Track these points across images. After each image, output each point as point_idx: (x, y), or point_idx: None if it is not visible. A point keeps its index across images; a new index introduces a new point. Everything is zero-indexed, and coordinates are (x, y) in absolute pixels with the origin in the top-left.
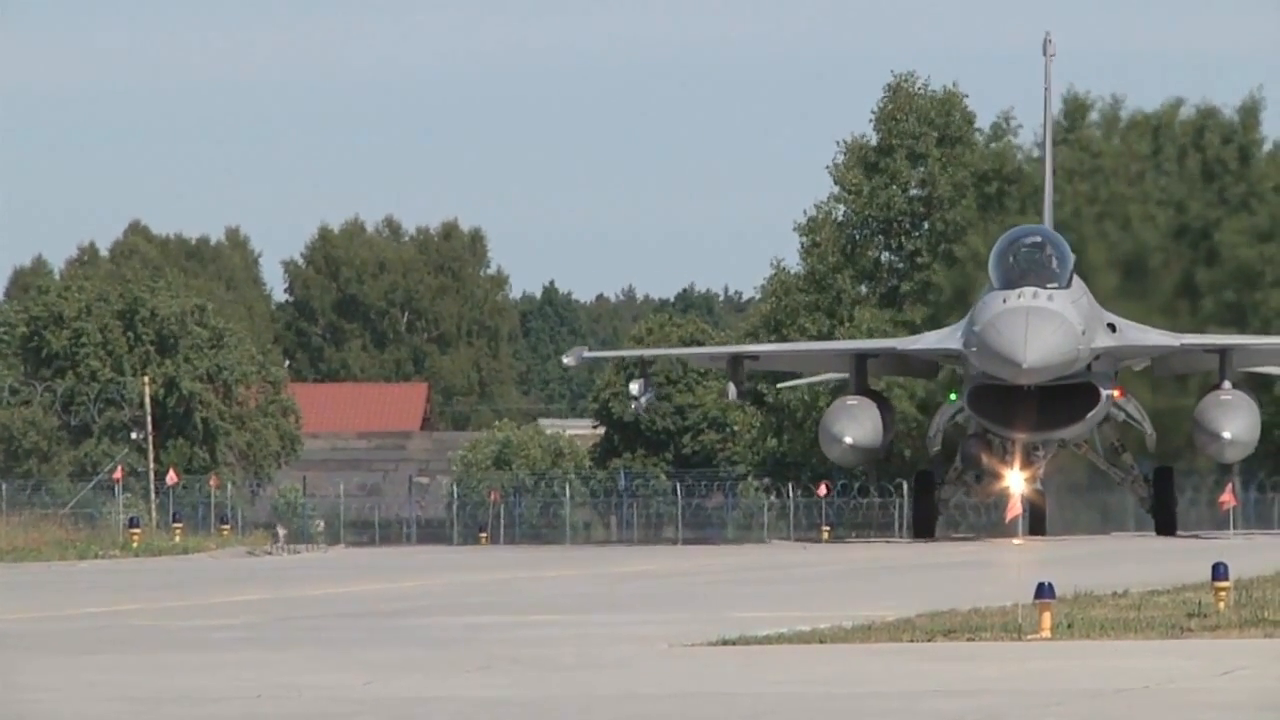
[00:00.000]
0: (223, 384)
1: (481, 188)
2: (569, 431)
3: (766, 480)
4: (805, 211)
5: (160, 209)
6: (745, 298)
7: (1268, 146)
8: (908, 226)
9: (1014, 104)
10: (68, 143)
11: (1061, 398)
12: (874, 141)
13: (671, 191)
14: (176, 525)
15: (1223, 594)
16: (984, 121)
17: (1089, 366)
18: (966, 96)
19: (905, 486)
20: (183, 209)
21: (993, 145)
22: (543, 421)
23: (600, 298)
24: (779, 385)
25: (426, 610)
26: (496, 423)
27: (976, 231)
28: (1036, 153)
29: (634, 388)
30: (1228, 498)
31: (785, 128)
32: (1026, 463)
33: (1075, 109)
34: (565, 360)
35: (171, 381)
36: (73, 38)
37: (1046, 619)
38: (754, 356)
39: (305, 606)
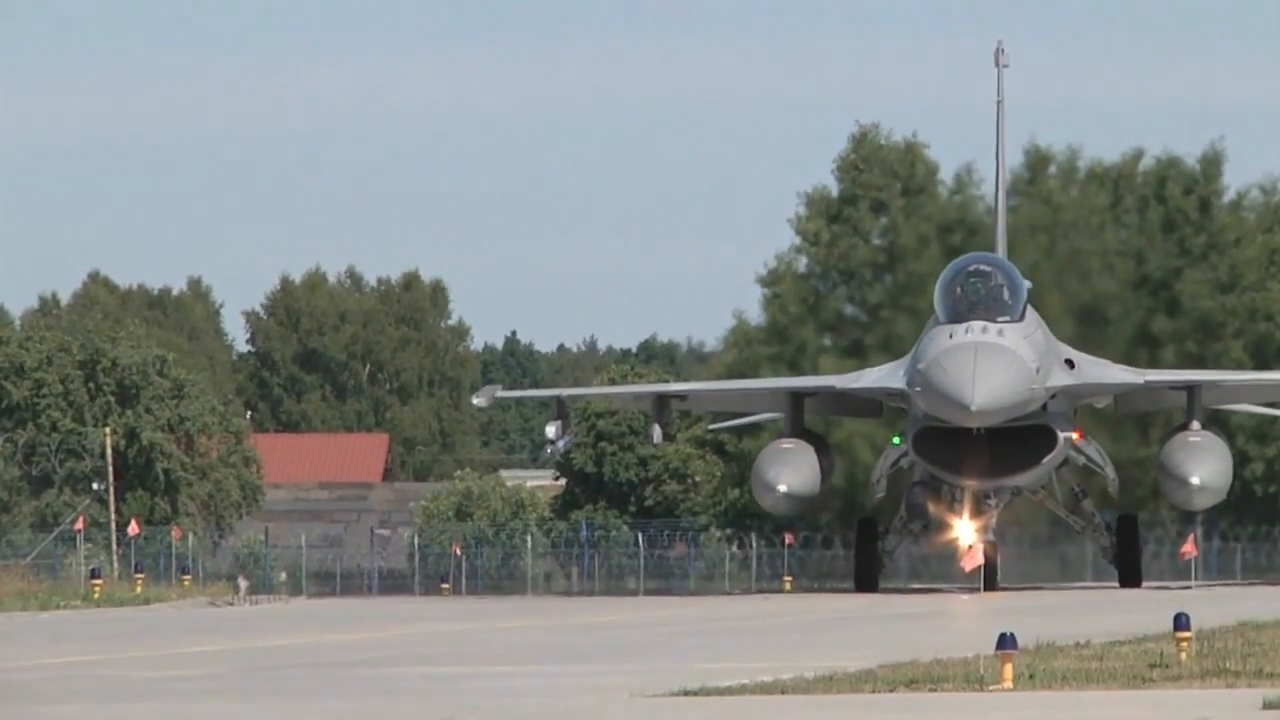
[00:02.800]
0: (184, 434)
1: (443, 238)
2: (530, 483)
3: (728, 531)
4: (767, 263)
5: (121, 259)
6: (707, 348)
7: (1229, 197)
8: (869, 278)
9: (976, 155)
10: (28, 192)
11: (1015, 441)
12: (835, 192)
13: (633, 242)
14: (138, 576)
15: (1184, 644)
16: (947, 173)
17: (1045, 406)
18: (928, 147)
19: None
20: (144, 259)
21: (956, 197)
22: (504, 472)
23: (562, 348)
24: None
25: (388, 661)
26: (458, 473)
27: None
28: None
29: (550, 430)
30: (1189, 548)
31: (747, 179)
32: (977, 511)
33: (1036, 161)
34: (476, 400)
35: (133, 432)
36: (34, 88)
37: (1008, 670)
38: (681, 395)
39: (268, 657)
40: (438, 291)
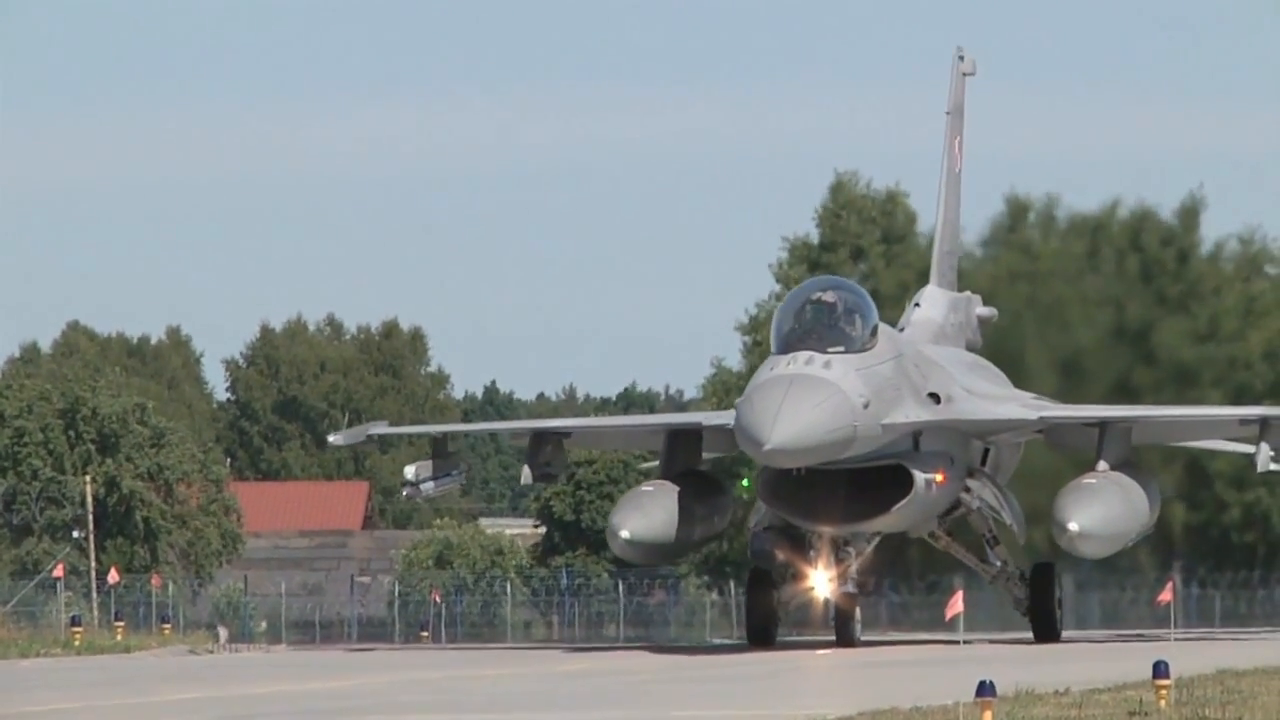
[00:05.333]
0: (164, 483)
1: (422, 287)
2: (509, 531)
3: (707, 578)
4: (747, 310)
5: (101, 308)
6: (687, 397)
7: (1207, 247)
8: None
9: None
10: (8, 241)
11: (869, 484)
12: (816, 239)
13: (613, 290)
14: (118, 624)
15: (1164, 692)
16: (925, 222)
17: (917, 445)
18: (908, 195)
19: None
20: (123, 308)
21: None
22: (483, 521)
23: (541, 396)
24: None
25: (368, 709)
26: (437, 522)
27: None
28: (980, 251)
29: (410, 471)
30: (1166, 595)
31: (726, 227)
32: (833, 560)
33: (1015, 209)
34: (332, 439)
35: (112, 480)
36: (12, 137)
37: (988, 717)
38: (565, 433)
39: (248, 705)
40: (417, 340)
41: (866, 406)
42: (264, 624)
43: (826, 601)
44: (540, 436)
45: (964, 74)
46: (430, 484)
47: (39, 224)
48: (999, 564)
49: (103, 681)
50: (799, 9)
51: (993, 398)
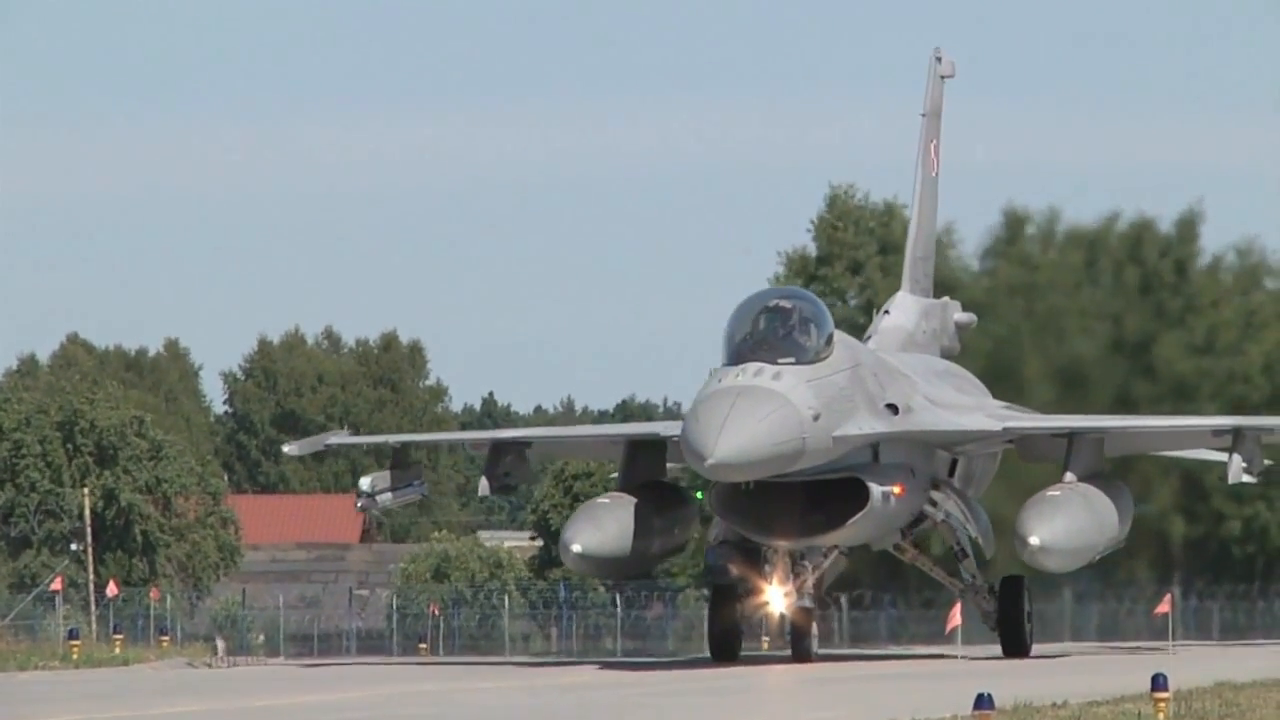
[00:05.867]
0: (162, 496)
1: (420, 299)
2: (508, 543)
3: (705, 591)
4: None
5: (99, 321)
6: (686, 408)
7: (1206, 259)
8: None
9: (955, 216)
10: (6, 254)
11: (825, 497)
12: (814, 252)
13: (611, 303)
14: (116, 637)
15: (1162, 705)
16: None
17: (877, 457)
18: (906, 207)
19: (844, 599)
20: (121, 321)
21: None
22: (481, 533)
23: (539, 409)
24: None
25: None
26: (435, 535)
27: None
28: (977, 265)
29: (365, 482)
30: (1164, 607)
31: (724, 239)
32: (789, 574)
33: (1014, 222)
34: (287, 449)
35: (111, 493)
36: (10, 150)
37: None
38: (526, 443)
39: (245, 718)
40: (415, 352)
41: (817, 419)
42: (261, 637)
43: (782, 617)
44: (500, 447)
45: (942, 76)
46: (388, 495)
47: (37, 237)
48: (969, 577)
49: (101, 695)
50: (799, 20)
51: (957, 408)
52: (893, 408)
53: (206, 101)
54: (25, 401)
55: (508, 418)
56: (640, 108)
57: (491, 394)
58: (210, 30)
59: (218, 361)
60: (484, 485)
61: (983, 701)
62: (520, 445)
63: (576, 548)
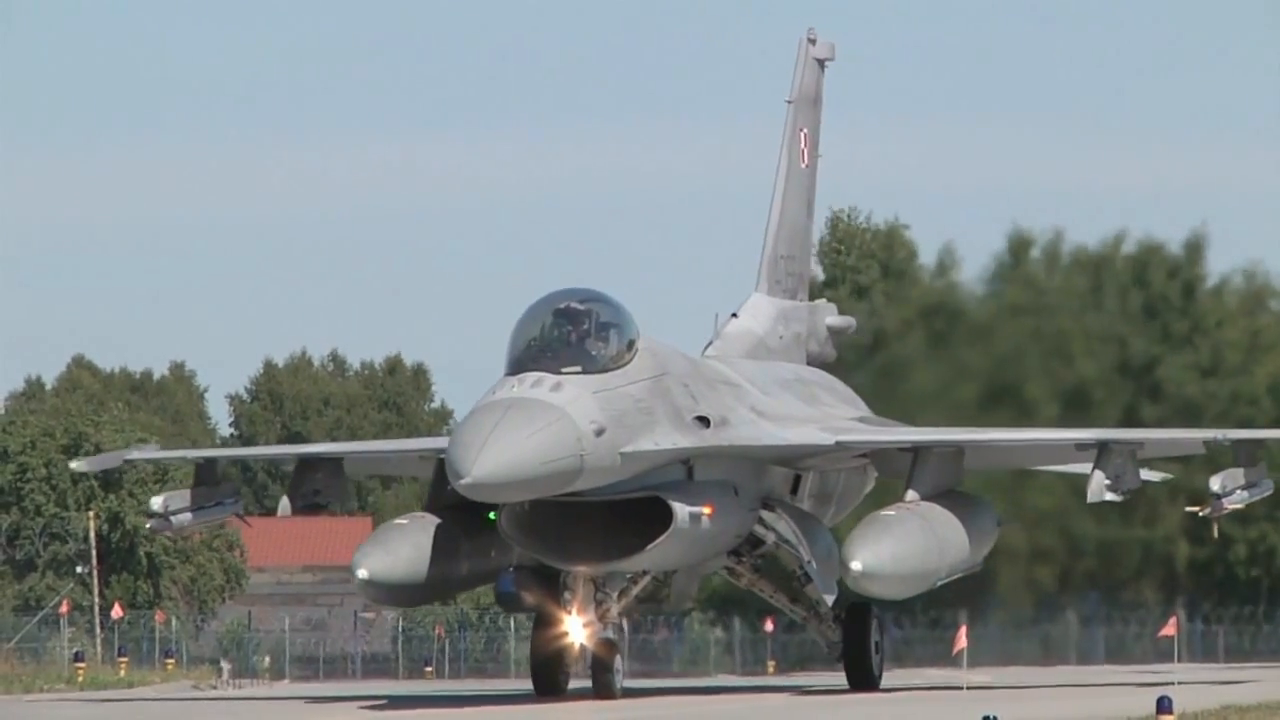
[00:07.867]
0: None
1: (426, 322)
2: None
3: (712, 614)
4: None
5: (104, 343)
6: None
7: (1212, 281)
8: (853, 362)
9: (955, 235)
10: (11, 277)
11: (628, 519)
12: (820, 277)
13: None
14: (122, 659)
15: None
16: (927, 255)
17: (691, 474)
18: (909, 228)
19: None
20: (127, 343)
21: (938, 281)
22: None
23: None
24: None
25: None
26: None
27: (922, 369)
28: (981, 288)
29: (156, 502)
30: (1169, 630)
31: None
32: (591, 603)
33: (1018, 244)
34: (74, 465)
35: (116, 516)
36: (16, 173)
37: None
38: (336, 458)
39: None
40: (420, 375)
41: (600, 434)
42: (267, 659)
43: (583, 649)
44: (306, 463)
45: (817, 59)
46: (187, 515)
47: (42, 259)
48: (813, 603)
49: (106, 717)
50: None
51: (786, 420)
52: (703, 420)
53: (212, 124)
54: (31, 424)
55: None
56: (642, 131)
57: None
58: (215, 52)
59: (223, 384)
60: (284, 505)
61: None
62: (332, 461)
63: (362, 573)
